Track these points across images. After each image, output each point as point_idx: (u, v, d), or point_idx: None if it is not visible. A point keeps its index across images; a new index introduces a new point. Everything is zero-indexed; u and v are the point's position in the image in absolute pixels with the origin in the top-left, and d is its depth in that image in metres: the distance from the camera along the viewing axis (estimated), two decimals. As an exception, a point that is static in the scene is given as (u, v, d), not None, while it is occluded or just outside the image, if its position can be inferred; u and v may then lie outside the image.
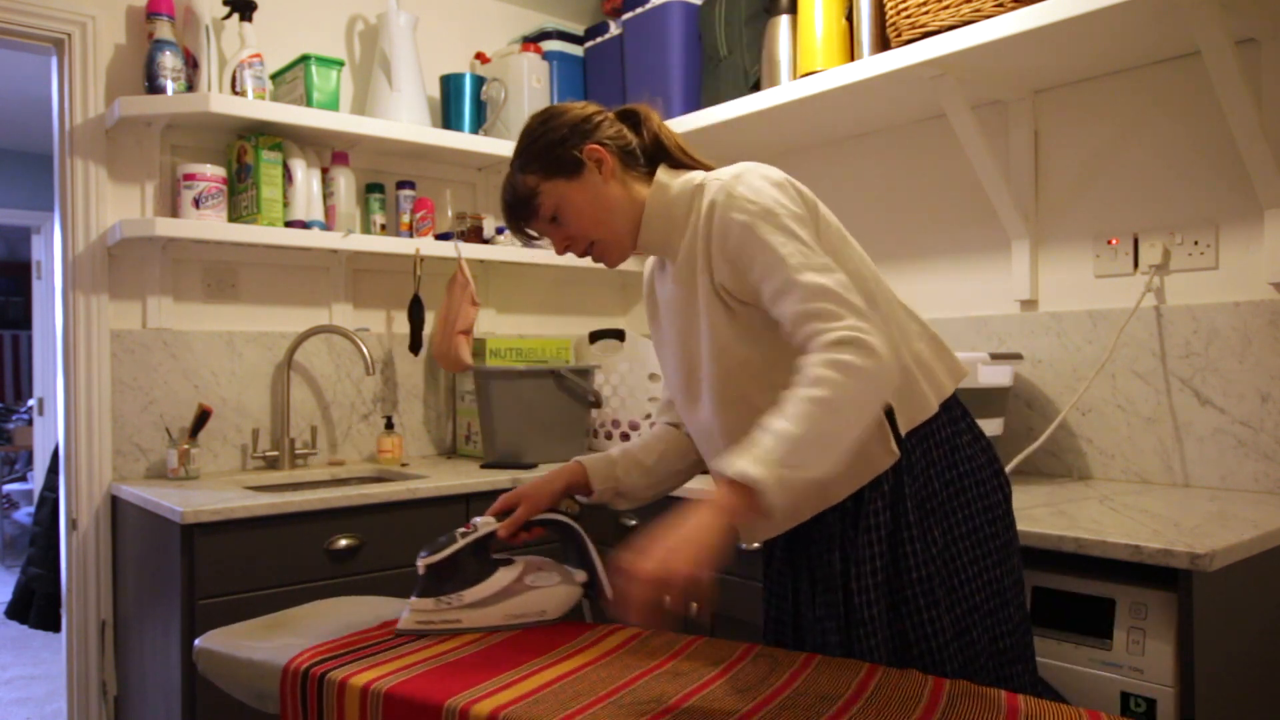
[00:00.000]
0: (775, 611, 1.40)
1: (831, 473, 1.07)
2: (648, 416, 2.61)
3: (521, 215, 1.34)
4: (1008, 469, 1.82)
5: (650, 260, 1.46)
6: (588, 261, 2.88)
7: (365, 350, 2.42)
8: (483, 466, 2.48)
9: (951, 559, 1.25)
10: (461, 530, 1.32)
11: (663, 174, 1.32)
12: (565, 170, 1.30)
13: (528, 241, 1.42)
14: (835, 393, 1.04)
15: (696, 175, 1.31)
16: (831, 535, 1.28)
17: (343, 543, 1.99)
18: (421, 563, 1.30)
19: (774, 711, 0.98)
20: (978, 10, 1.80)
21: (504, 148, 2.68)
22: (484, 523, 1.34)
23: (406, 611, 1.28)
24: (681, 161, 1.35)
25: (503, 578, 1.31)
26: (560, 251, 1.36)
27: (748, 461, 1.01)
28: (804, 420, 1.03)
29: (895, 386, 1.21)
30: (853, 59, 2.12)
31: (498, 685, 1.06)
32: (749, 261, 1.19)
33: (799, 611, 1.36)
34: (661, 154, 1.35)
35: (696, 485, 1.98)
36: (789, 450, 1.02)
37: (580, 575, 1.37)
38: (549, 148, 1.31)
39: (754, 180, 1.22)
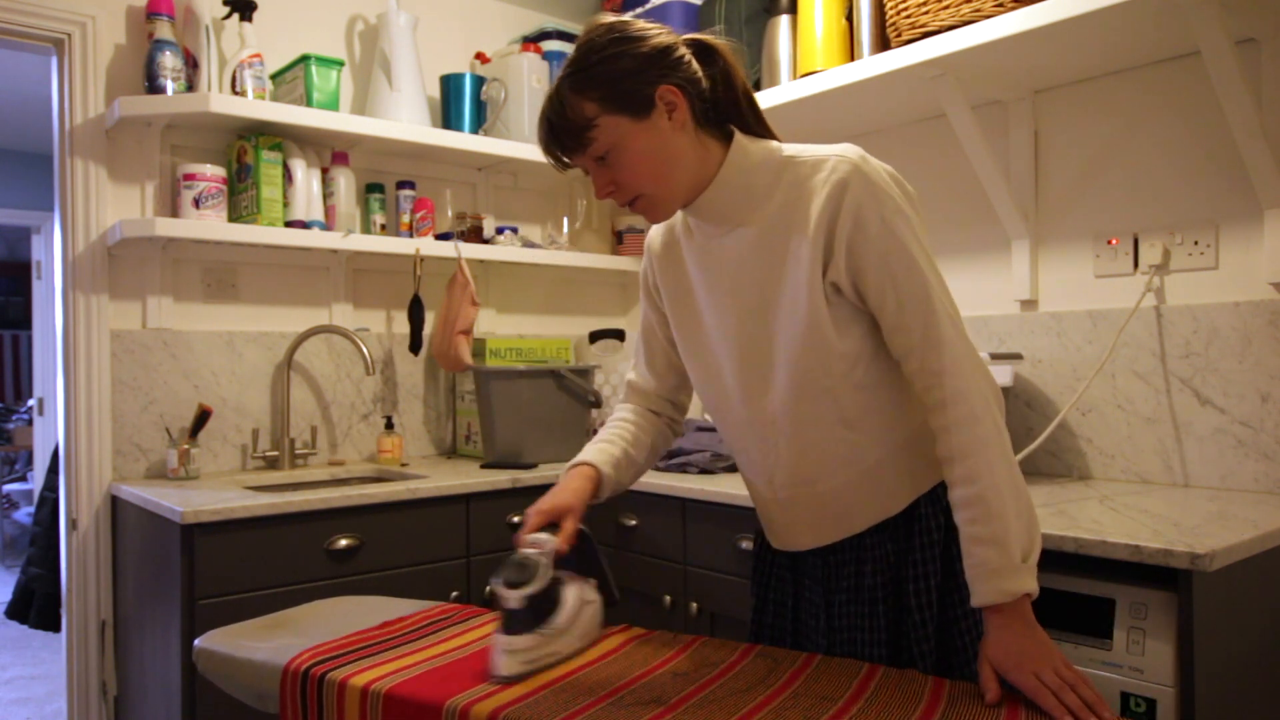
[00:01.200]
0: (773, 619, 1.36)
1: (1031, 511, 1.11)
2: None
3: (566, 145, 1.17)
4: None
5: (665, 227, 1.35)
6: (588, 261, 2.92)
7: (365, 350, 2.42)
8: (483, 466, 2.48)
9: None
10: (534, 552, 1.15)
11: (742, 139, 1.21)
12: (632, 107, 1.14)
13: (562, 169, 1.24)
14: (999, 471, 1.09)
15: (780, 147, 1.21)
16: (863, 547, 1.24)
17: (343, 543, 1.99)
18: (519, 595, 1.10)
19: (774, 711, 0.98)
20: (978, 10, 1.80)
21: (504, 148, 2.68)
22: (547, 539, 1.18)
23: (503, 656, 1.09)
24: (751, 125, 1.23)
25: (573, 596, 1.18)
26: (601, 196, 1.20)
27: (1012, 582, 1.06)
28: (1006, 510, 1.07)
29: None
30: (853, 59, 2.12)
31: (498, 686, 1.06)
32: (876, 261, 1.13)
33: (799, 619, 1.33)
34: (730, 106, 1.21)
35: (681, 483, 1.98)
36: (1024, 545, 1.07)
37: (592, 581, 1.27)
38: (619, 77, 1.13)
39: (883, 173, 1.16)
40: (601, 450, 1.36)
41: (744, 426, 1.27)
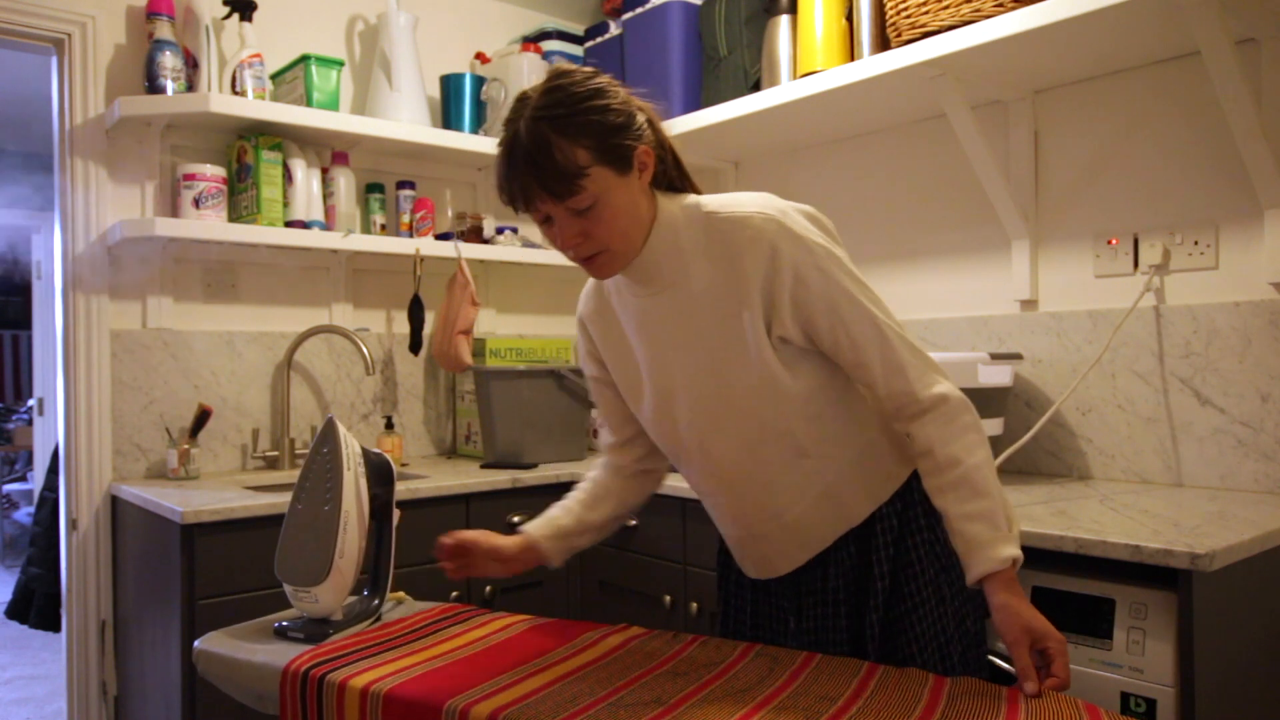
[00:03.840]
0: (733, 625, 1.42)
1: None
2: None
3: (553, 189, 1.11)
4: (997, 461, 1.82)
5: (598, 287, 1.34)
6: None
7: (365, 350, 2.42)
8: (483, 466, 2.48)
9: (947, 553, 1.26)
10: None
11: (663, 198, 1.22)
12: (618, 163, 1.13)
13: (518, 210, 1.17)
14: (979, 453, 1.16)
15: (699, 202, 1.22)
16: (826, 553, 1.29)
17: (343, 543, 1.99)
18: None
19: (774, 711, 0.99)
20: (978, 10, 1.80)
21: (504, 148, 2.67)
22: None
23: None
24: (675, 183, 1.25)
25: None
26: (566, 245, 1.17)
27: (1004, 549, 1.12)
28: (989, 487, 1.14)
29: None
30: (853, 59, 2.12)
31: (498, 686, 1.06)
32: (824, 310, 1.16)
33: (757, 625, 1.38)
34: (661, 168, 1.23)
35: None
36: (1005, 516, 1.14)
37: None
38: (610, 130, 1.13)
39: (804, 221, 1.18)
40: (551, 527, 1.40)
41: (705, 475, 1.30)
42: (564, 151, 1.10)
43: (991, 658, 1.36)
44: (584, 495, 1.43)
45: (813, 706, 1.00)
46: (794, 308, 1.16)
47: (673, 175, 1.25)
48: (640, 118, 1.18)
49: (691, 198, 1.24)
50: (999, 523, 1.12)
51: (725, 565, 1.44)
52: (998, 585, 1.11)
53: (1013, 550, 1.12)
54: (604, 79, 1.16)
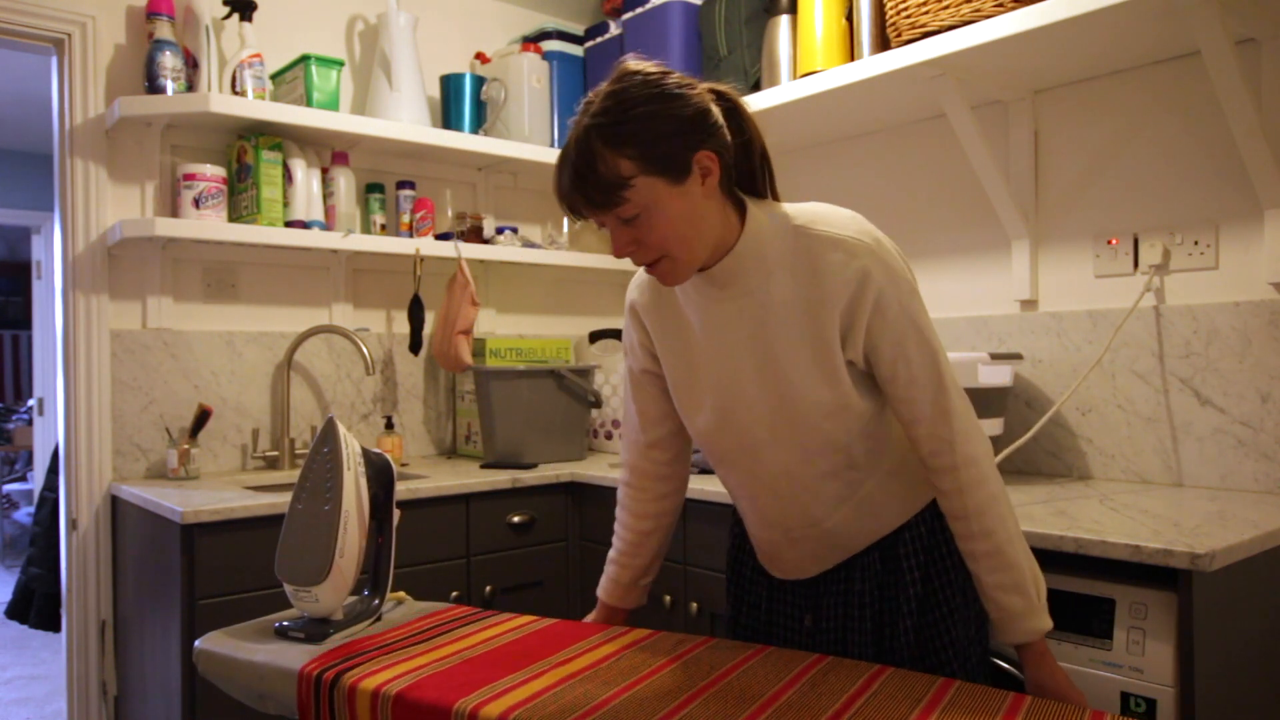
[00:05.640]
0: (746, 620, 1.42)
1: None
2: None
3: (595, 200, 1.10)
4: (997, 459, 1.83)
5: (645, 284, 1.32)
6: (588, 261, 2.92)
7: (365, 350, 2.42)
8: (483, 466, 2.48)
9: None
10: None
11: (754, 207, 1.19)
12: (670, 171, 1.10)
13: (577, 218, 1.16)
14: (1010, 523, 1.18)
15: (788, 215, 1.19)
16: (851, 558, 1.30)
17: (343, 543, 1.99)
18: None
19: (779, 710, 0.99)
20: (978, 10, 1.80)
21: (504, 148, 2.68)
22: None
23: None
24: (762, 189, 1.22)
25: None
26: (620, 254, 1.16)
27: (1037, 621, 1.17)
28: (1020, 558, 1.18)
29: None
30: (853, 59, 2.12)
31: (507, 686, 1.06)
32: (892, 341, 1.16)
33: (772, 621, 1.38)
34: (746, 170, 1.20)
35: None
36: (1036, 585, 1.18)
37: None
38: (660, 139, 1.09)
39: (892, 249, 1.18)
40: (615, 584, 1.43)
41: (749, 479, 1.29)
42: (607, 163, 1.08)
43: (993, 659, 1.37)
44: (625, 546, 1.42)
45: (818, 704, 1.00)
46: (867, 334, 1.16)
47: (756, 173, 1.21)
48: (711, 118, 1.12)
49: (779, 206, 1.22)
50: (1029, 593, 1.16)
51: (738, 561, 1.44)
52: (1032, 656, 1.17)
53: (1046, 622, 1.17)
54: (673, 78, 1.12)
